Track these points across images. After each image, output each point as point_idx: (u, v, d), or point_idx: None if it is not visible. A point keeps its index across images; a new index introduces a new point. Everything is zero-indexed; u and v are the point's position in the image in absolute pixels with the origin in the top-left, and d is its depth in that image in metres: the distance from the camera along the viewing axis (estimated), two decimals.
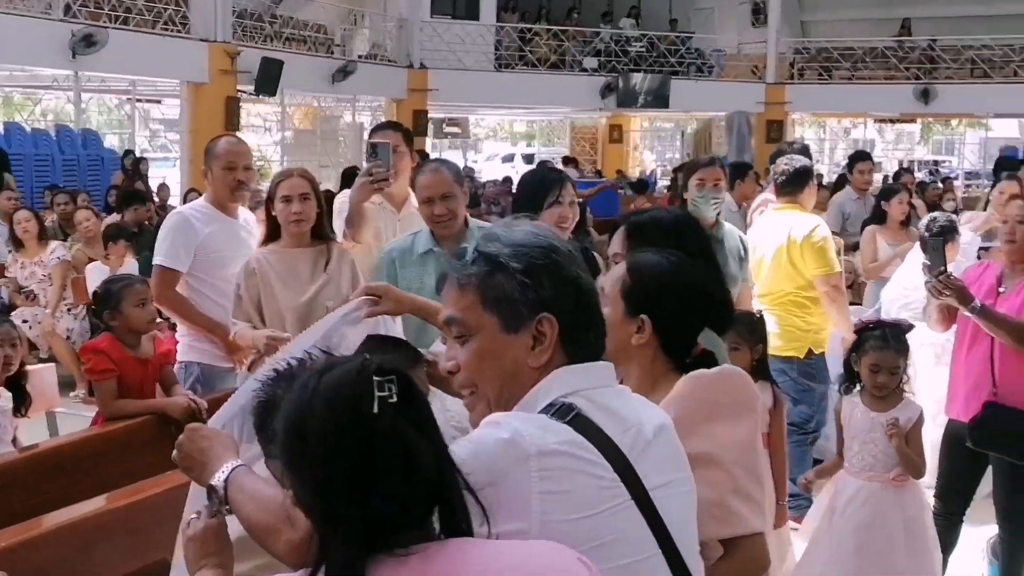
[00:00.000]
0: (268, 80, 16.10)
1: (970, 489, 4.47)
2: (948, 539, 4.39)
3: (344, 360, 1.50)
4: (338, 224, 4.61)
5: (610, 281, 2.29)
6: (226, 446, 2.08)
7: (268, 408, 2.12)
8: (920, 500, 4.13)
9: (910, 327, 4.29)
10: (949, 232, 6.12)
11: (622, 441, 1.68)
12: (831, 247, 5.56)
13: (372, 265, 4.20)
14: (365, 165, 4.52)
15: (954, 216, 6.63)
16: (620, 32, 23.41)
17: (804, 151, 6.83)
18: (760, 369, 4.29)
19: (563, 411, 1.67)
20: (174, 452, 2.11)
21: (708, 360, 2.31)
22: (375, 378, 1.41)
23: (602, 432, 1.67)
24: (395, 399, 1.41)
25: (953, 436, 4.40)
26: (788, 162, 5.75)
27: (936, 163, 32.74)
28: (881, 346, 4.08)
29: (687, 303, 2.27)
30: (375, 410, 1.40)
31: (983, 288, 4.32)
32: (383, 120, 17.00)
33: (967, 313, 4.19)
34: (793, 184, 5.63)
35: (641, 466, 1.69)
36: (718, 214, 4.88)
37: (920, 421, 4.09)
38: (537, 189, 4.02)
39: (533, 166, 24.37)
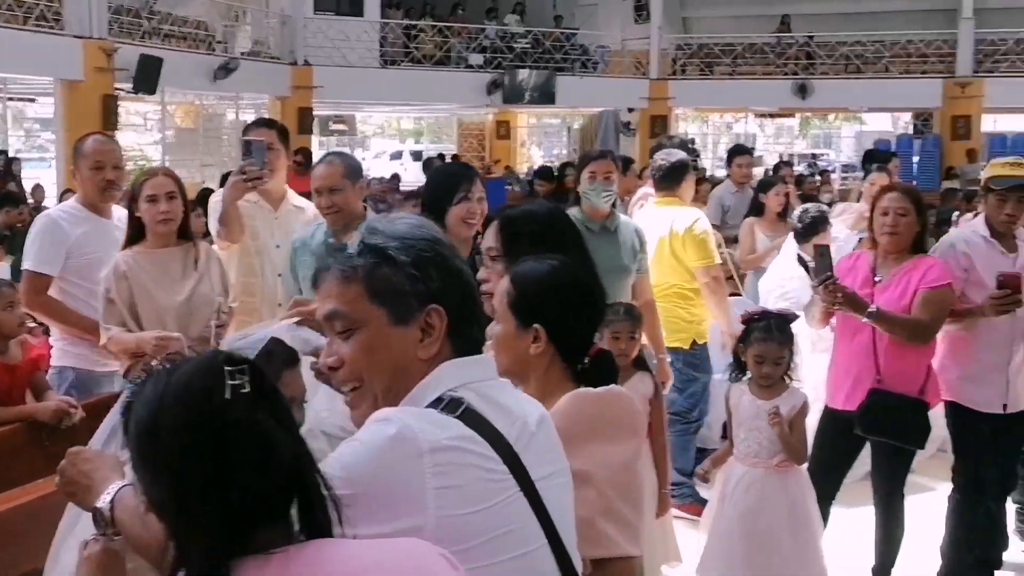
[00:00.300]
0: (147, 78, 15.72)
1: (843, 474, 4.61)
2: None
3: (197, 357, 1.48)
4: (212, 224, 4.54)
5: (497, 296, 2.29)
6: (110, 467, 2.01)
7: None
8: (804, 484, 4.24)
9: (794, 318, 4.39)
10: (820, 223, 6.32)
11: (509, 433, 1.69)
12: (711, 239, 5.67)
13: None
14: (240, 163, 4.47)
15: (825, 207, 6.82)
16: (505, 28, 23.45)
17: (683, 146, 6.95)
18: (639, 359, 4.37)
19: (452, 405, 1.67)
20: (56, 478, 2.04)
21: (605, 360, 2.34)
22: (226, 368, 1.39)
23: (490, 425, 1.67)
24: (248, 389, 1.39)
25: (833, 424, 4.52)
26: (665, 157, 5.84)
27: (815, 156, 33.55)
28: (765, 337, 4.18)
29: (576, 305, 2.28)
30: (228, 397, 1.37)
31: (858, 278, 4.44)
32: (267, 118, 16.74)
33: (864, 320, 4.29)
34: (670, 178, 5.73)
35: (527, 458, 1.70)
36: (612, 206, 4.96)
37: (804, 408, 4.20)
38: (446, 185, 4.03)
39: (421, 163, 24.39)
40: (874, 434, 4.43)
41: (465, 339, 1.77)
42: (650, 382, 4.32)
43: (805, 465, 4.31)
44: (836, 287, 4.27)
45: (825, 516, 4.52)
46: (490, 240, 2.68)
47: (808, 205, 6.66)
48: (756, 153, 28.22)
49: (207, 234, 4.69)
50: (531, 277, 2.27)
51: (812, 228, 6.30)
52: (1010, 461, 4.68)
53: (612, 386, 2.27)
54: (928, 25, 22.65)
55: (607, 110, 21.75)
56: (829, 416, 4.56)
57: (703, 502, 5.40)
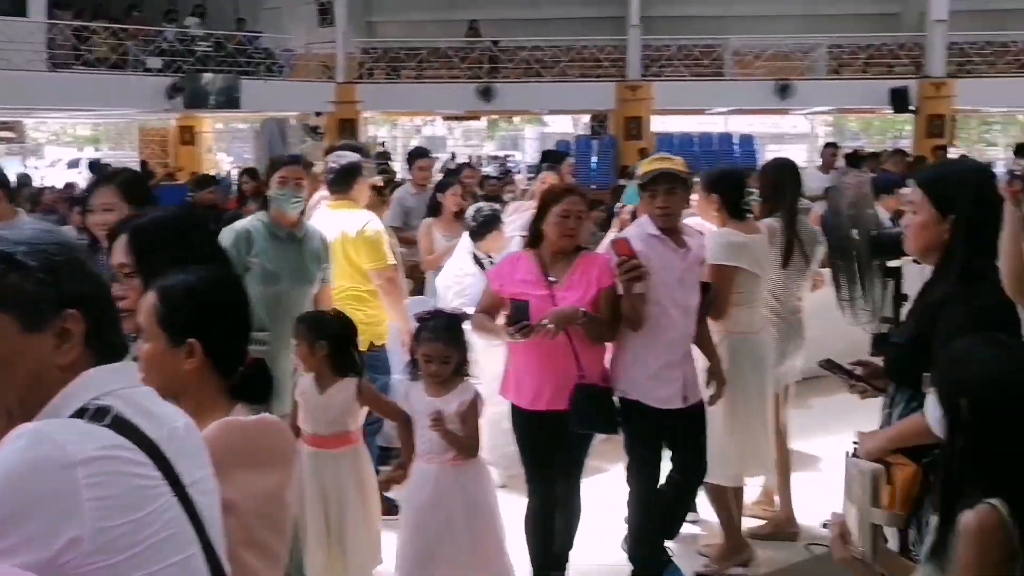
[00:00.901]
0: None
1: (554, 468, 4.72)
2: (546, 513, 4.67)
3: None
4: None
5: (144, 313, 2.21)
6: None
7: None
8: (481, 477, 4.36)
9: (465, 317, 4.48)
10: (493, 222, 6.51)
11: (160, 438, 1.66)
12: (384, 241, 5.73)
13: None
14: None
15: (498, 207, 7.03)
16: (185, 31, 22.69)
17: (358, 149, 6.95)
18: (343, 363, 4.38)
19: (99, 414, 1.61)
20: None
21: (259, 371, 2.30)
22: None
23: (141, 432, 1.63)
24: None
25: (538, 426, 4.56)
26: (336, 159, 5.86)
27: (505, 158, 34.54)
28: (431, 337, 4.26)
29: (229, 316, 2.23)
30: None
31: (531, 278, 4.50)
32: None
33: (578, 324, 4.39)
34: (342, 181, 5.76)
35: (179, 463, 1.68)
36: (301, 213, 4.91)
37: (475, 403, 4.30)
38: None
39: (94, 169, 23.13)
40: (587, 428, 4.58)
41: (105, 345, 1.72)
42: (353, 379, 4.38)
43: (483, 456, 4.43)
44: (544, 329, 4.31)
45: (550, 508, 4.67)
46: (120, 255, 2.54)
47: (481, 204, 6.85)
48: (453, 155, 28.84)
49: None
50: (180, 290, 2.20)
51: (485, 227, 6.48)
52: (694, 446, 4.80)
53: (264, 415, 2.24)
54: (601, 32, 23.83)
55: (270, 120, 21.37)
56: (530, 419, 4.59)
57: (389, 501, 5.46)
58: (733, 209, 5.12)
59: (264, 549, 2.08)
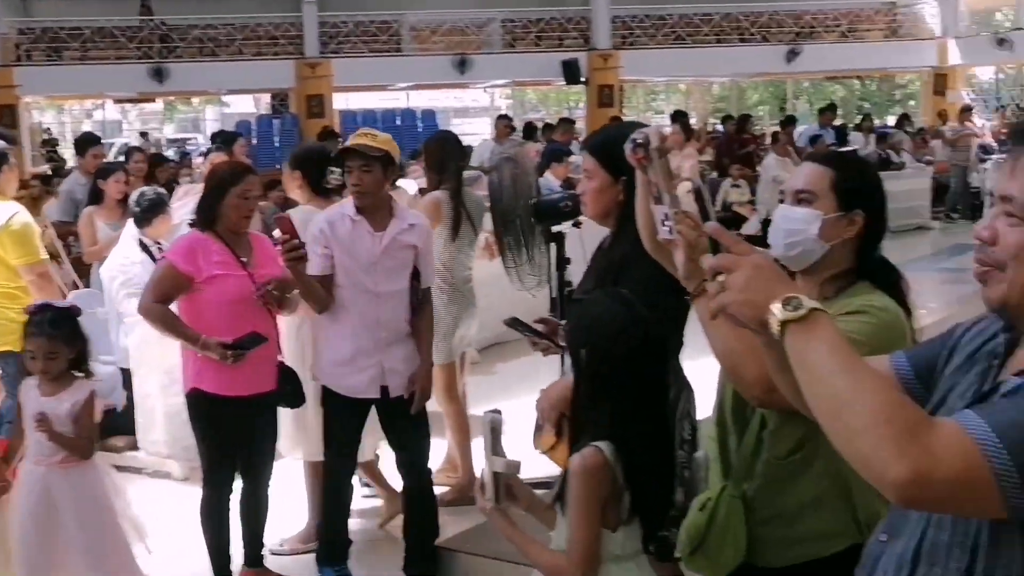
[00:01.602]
0: None
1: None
2: (226, 505, 4.56)
3: None
4: None
5: None
6: None
7: None
8: (94, 476, 4.12)
9: (78, 312, 4.23)
10: (159, 206, 6.29)
11: None
12: (34, 233, 5.40)
13: None
14: None
15: (163, 191, 6.79)
16: None
17: (3, 136, 6.49)
18: None
19: None
20: None
21: None
22: None
23: None
24: None
25: (237, 409, 4.42)
26: None
27: (184, 140, 33.35)
28: (35, 332, 4.04)
29: None
30: None
31: (227, 260, 4.36)
32: None
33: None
34: None
35: None
36: None
37: (91, 400, 4.08)
38: None
39: None
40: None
41: None
42: None
43: (97, 455, 4.22)
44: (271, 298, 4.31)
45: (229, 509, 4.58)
46: None
47: (145, 189, 6.62)
48: (145, 135, 27.31)
49: None
50: None
51: (151, 211, 6.25)
52: (411, 441, 4.73)
53: None
54: (275, 8, 23.36)
55: None
56: (226, 406, 4.42)
57: None
58: (316, 186, 5.19)
59: None
